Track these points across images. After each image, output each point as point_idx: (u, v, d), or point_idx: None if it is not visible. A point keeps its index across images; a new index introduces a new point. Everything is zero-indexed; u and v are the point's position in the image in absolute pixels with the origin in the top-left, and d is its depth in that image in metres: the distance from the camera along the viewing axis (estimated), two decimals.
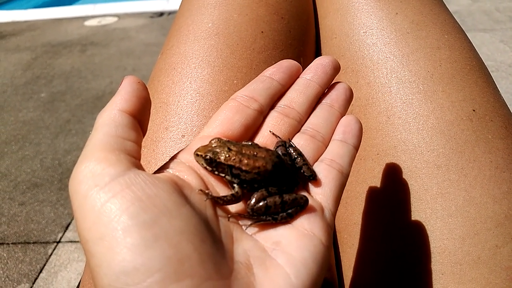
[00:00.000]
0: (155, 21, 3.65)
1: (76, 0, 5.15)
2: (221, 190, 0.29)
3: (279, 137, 0.33)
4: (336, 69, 0.37)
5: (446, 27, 0.51)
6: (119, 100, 0.27)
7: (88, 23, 3.73)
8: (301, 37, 0.56)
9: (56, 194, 1.62)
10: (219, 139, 0.30)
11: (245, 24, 0.52)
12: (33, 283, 1.27)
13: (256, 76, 0.46)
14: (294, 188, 0.31)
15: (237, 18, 0.52)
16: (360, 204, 0.45)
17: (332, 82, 0.37)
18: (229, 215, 0.28)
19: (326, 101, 0.36)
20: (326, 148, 0.33)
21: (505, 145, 0.42)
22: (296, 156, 0.31)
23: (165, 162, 0.42)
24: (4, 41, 3.45)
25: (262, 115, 0.34)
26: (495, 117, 0.44)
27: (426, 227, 0.40)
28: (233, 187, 0.29)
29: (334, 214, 0.30)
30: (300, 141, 0.33)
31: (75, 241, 1.41)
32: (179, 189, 0.26)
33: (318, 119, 0.35)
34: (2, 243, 1.42)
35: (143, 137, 0.29)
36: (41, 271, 1.31)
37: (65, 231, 1.45)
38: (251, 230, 0.28)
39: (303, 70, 0.37)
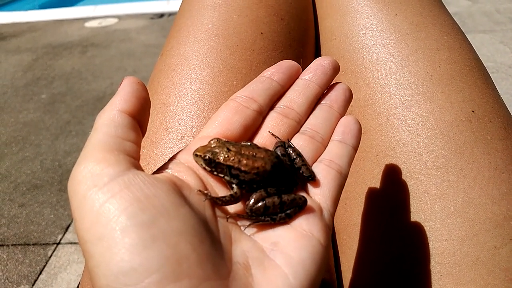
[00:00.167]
0: (155, 22, 3.66)
1: (76, 1, 5.16)
2: (220, 190, 0.29)
3: (278, 138, 0.33)
4: (336, 69, 0.37)
5: (446, 28, 0.51)
6: (119, 101, 0.27)
7: (89, 24, 3.74)
8: (300, 38, 0.56)
9: (56, 195, 1.62)
10: (218, 140, 0.30)
11: (244, 25, 0.52)
12: (33, 285, 1.27)
13: (256, 77, 0.47)
14: (293, 188, 0.31)
15: (236, 20, 0.52)
16: (360, 205, 0.45)
17: (332, 83, 0.37)
18: (227, 216, 0.28)
19: (325, 101, 0.36)
20: (325, 148, 0.33)
21: (504, 146, 0.42)
22: (295, 157, 0.31)
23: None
24: (4, 42, 3.45)
25: (261, 115, 0.34)
26: (494, 118, 0.44)
27: (425, 228, 0.40)
28: (232, 188, 0.29)
29: (332, 214, 0.30)
30: (299, 142, 0.33)
31: (75, 243, 1.41)
32: (177, 190, 0.26)
33: (317, 120, 0.35)
34: (2, 245, 1.42)
35: (143, 137, 0.29)
36: (41, 273, 1.31)
37: (65, 233, 1.45)
38: (250, 231, 0.28)
39: (302, 71, 0.37)
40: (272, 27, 0.53)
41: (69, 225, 1.48)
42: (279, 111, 0.34)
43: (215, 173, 0.29)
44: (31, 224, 1.49)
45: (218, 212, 0.28)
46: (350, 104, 0.49)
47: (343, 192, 0.32)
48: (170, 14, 3.77)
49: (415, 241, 0.40)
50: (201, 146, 0.30)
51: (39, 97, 2.43)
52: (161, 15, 3.80)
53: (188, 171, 0.28)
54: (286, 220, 0.28)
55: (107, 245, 0.21)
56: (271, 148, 0.32)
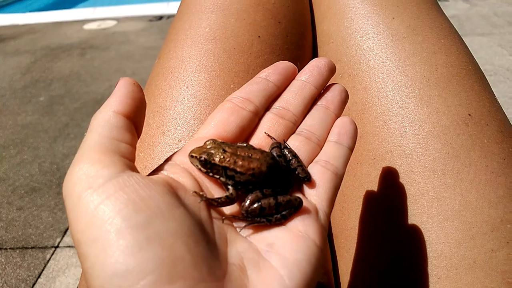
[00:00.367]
0: (154, 24, 3.66)
1: (75, 3, 5.17)
2: (215, 191, 0.29)
3: (274, 139, 0.33)
4: (332, 70, 0.37)
5: (443, 32, 0.51)
6: (114, 102, 0.27)
7: (88, 26, 3.74)
8: (298, 42, 0.56)
9: (54, 198, 1.62)
10: (213, 141, 0.30)
11: (242, 29, 0.52)
12: None
13: (252, 78, 0.47)
14: (289, 189, 0.31)
15: (234, 23, 0.52)
16: (357, 208, 0.45)
17: (328, 84, 0.37)
18: (223, 217, 0.28)
19: (321, 102, 0.36)
20: (321, 149, 0.33)
21: (500, 150, 0.42)
22: (290, 158, 0.31)
23: None
24: (3, 45, 3.45)
25: (257, 116, 0.34)
26: (491, 122, 0.44)
27: (422, 231, 0.40)
28: (228, 189, 0.29)
29: (328, 215, 0.30)
30: (295, 143, 0.33)
31: (73, 246, 1.40)
32: (173, 191, 0.26)
33: (313, 121, 0.35)
34: (0, 248, 1.41)
35: (138, 139, 0.29)
36: (39, 277, 1.30)
37: (63, 236, 1.45)
38: (245, 232, 0.28)
39: (298, 71, 0.37)
40: (269, 30, 0.53)
41: (67, 229, 1.48)
42: (275, 112, 0.34)
43: (210, 174, 0.29)
44: (30, 227, 1.49)
45: (214, 214, 0.28)
46: (347, 108, 0.49)
47: (340, 195, 0.32)
48: (169, 17, 3.78)
49: (412, 244, 0.40)
50: (196, 147, 0.29)
51: (38, 100, 2.43)
52: (160, 18, 3.81)
53: (183, 173, 0.28)
54: (281, 221, 0.28)
55: (101, 246, 0.21)
56: (267, 149, 0.32)
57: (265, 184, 0.30)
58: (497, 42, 2.66)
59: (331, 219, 0.49)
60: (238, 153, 0.29)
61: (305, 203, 0.29)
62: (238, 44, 0.51)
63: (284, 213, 0.28)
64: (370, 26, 0.52)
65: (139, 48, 3.11)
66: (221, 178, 0.29)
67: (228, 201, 0.28)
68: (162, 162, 0.30)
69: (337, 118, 0.35)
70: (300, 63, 0.55)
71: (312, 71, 0.36)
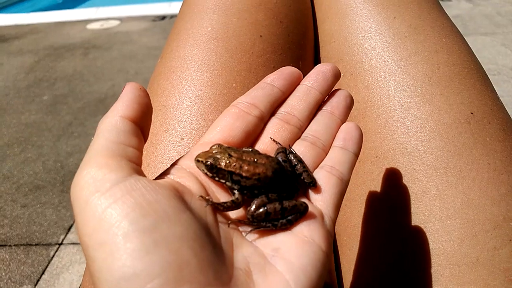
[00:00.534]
0: (157, 24, 3.67)
1: (78, 3, 5.18)
2: (221, 196, 0.30)
3: (280, 144, 0.33)
4: (337, 76, 0.37)
5: (444, 31, 0.51)
6: (121, 107, 0.27)
7: (91, 26, 3.75)
8: (299, 41, 0.56)
9: (58, 196, 1.63)
10: (219, 145, 0.30)
11: (244, 28, 0.52)
12: (35, 285, 1.27)
13: (255, 79, 0.47)
14: (294, 194, 0.31)
15: (236, 22, 0.52)
16: (359, 206, 0.45)
17: (333, 89, 0.37)
18: (229, 222, 0.28)
19: (326, 108, 0.36)
20: (326, 155, 0.33)
21: (503, 148, 0.42)
22: (296, 163, 0.31)
23: (164, 164, 0.43)
24: (7, 44, 3.47)
25: (262, 121, 0.34)
26: (493, 120, 0.44)
27: (424, 229, 0.40)
28: (234, 193, 0.29)
29: (334, 221, 0.30)
30: (300, 148, 0.33)
31: (77, 243, 1.41)
32: (179, 195, 0.26)
33: (318, 126, 0.35)
34: (5, 245, 1.42)
35: (145, 143, 0.29)
36: (43, 273, 1.31)
37: (67, 233, 1.46)
38: (251, 237, 0.28)
39: (303, 75, 0.37)
40: (271, 30, 0.53)
41: (71, 226, 1.48)
42: (280, 117, 0.35)
43: (216, 178, 0.29)
44: (34, 224, 1.50)
45: (220, 218, 0.28)
46: None
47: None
48: (172, 17, 3.78)
49: (414, 242, 0.40)
50: (202, 152, 0.30)
51: (41, 99, 2.44)
52: (163, 18, 3.82)
53: (189, 177, 0.29)
54: (287, 226, 0.28)
55: (109, 250, 0.21)
56: (272, 154, 0.32)
57: (270, 189, 0.30)
58: (501, 42, 2.65)
59: None
60: (244, 158, 0.30)
61: (310, 208, 0.29)
62: (240, 44, 0.51)
63: (289, 218, 0.28)
64: (371, 26, 0.52)
65: (142, 48, 3.12)
66: (227, 183, 0.29)
67: (234, 205, 0.28)
68: (167, 164, 0.30)
69: (342, 124, 0.35)
70: (302, 63, 0.55)
71: (317, 76, 0.36)
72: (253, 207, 0.28)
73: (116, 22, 3.79)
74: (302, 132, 0.35)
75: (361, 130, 0.34)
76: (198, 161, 0.29)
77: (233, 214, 0.29)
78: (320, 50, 0.59)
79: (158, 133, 0.46)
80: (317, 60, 0.60)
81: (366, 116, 0.48)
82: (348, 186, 0.46)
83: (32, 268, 1.33)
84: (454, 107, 0.44)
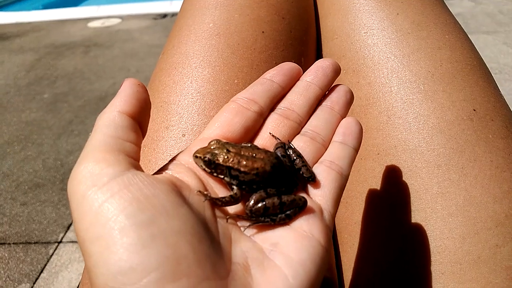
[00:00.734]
0: (158, 22, 3.67)
1: (80, 1, 5.18)
2: (220, 191, 0.29)
3: (279, 139, 0.33)
4: (337, 71, 0.37)
5: (447, 28, 0.51)
6: (119, 102, 0.27)
7: (92, 24, 3.75)
8: (302, 37, 0.56)
9: (58, 194, 1.63)
10: (218, 141, 0.30)
11: (246, 24, 0.52)
12: (34, 283, 1.27)
13: (257, 76, 0.46)
14: (293, 189, 0.30)
15: (238, 19, 0.52)
16: (361, 203, 0.45)
17: (333, 85, 0.37)
18: (227, 216, 0.28)
19: (326, 103, 0.36)
20: (326, 150, 0.33)
21: (505, 145, 0.42)
22: (295, 158, 0.31)
23: (165, 161, 0.43)
24: (8, 42, 3.47)
25: (262, 117, 0.34)
26: (496, 117, 0.44)
27: (426, 226, 0.40)
28: (232, 189, 0.29)
29: (333, 216, 0.30)
30: (300, 143, 0.33)
31: (76, 242, 1.41)
32: (177, 190, 0.26)
33: (318, 121, 0.35)
34: (4, 243, 1.42)
35: (143, 139, 0.29)
36: (42, 271, 1.31)
37: (66, 231, 1.46)
38: (250, 232, 0.28)
39: (303, 72, 0.37)
40: (273, 26, 0.53)
41: (70, 224, 1.48)
42: (279, 113, 0.34)
43: (215, 174, 0.29)
44: (33, 222, 1.50)
45: (218, 213, 0.28)
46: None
47: (344, 191, 0.32)
48: (173, 15, 3.78)
49: (416, 240, 0.40)
50: (201, 148, 0.29)
51: (42, 97, 2.44)
52: (164, 16, 3.81)
53: (188, 172, 0.28)
54: (286, 221, 0.28)
55: (105, 244, 0.21)
56: (271, 149, 0.32)
57: (269, 184, 0.30)
58: (502, 40, 2.65)
59: None
60: (242, 153, 0.29)
61: (309, 203, 0.29)
62: (242, 40, 0.51)
63: (288, 212, 0.28)
64: (374, 22, 0.52)
65: (143, 46, 3.12)
66: (225, 178, 0.29)
67: (232, 200, 0.28)
68: (167, 160, 0.30)
69: (342, 119, 0.35)
70: (304, 59, 0.55)
71: (316, 72, 0.36)
72: (252, 202, 0.28)
73: (117, 20, 3.79)
74: (302, 128, 0.35)
75: (361, 125, 0.34)
76: (196, 157, 0.29)
77: (232, 209, 0.29)
78: (323, 47, 0.59)
79: (160, 129, 0.46)
80: (319, 57, 0.60)
81: (368, 112, 0.47)
82: (350, 183, 0.47)
83: (31, 266, 1.33)
84: (456, 104, 0.44)
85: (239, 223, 0.28)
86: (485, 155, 0.41)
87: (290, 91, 0.36)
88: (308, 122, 0.35)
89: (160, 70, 0.52)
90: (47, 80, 2.66)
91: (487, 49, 2.53)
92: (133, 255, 0.21)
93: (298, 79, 0.37)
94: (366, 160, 0.46)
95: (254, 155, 0.30)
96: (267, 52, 0.51)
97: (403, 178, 0.42)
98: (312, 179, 0.30)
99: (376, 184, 0.44)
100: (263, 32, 0.52)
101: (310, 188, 0.31)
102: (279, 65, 0.37)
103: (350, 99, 0.36)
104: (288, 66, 0.37)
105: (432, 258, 0.38)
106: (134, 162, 0.26)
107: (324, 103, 0.36)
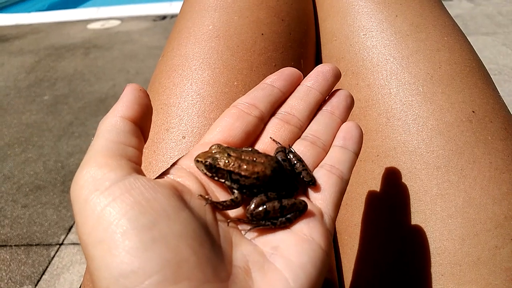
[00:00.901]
0: (158, 24, 3.67)
1: (79, 3, 5.19)
2: (221, 196, 0.30)
3: (279, 143, 0.33)
4: (337, 76, 0.37)
5: (446, 29, 0.51)
6: (121, 107, 0.28)
7: (91, 26, 3.76)
8: (301, 39, 0.56)
9: (58, 196, 1.63)
10: (219, 145, 0.30)
11: (245, 26, 0.52)
12: (36, 285, 1.27)
13: (256, 78, 0.47)
14: (293, 193, 0.31)
15: (237, 21, 0.52)
16: (360, 205, 0.45)
17: (333, 89, 0.37)
18: (228, 220, 0.28)
19: (326, 108, 0.36)
20: (326, 154, 0.33)
21: (504, 146, 0.42)
22: (295, 162, 0.31)
23: (166, 163, 0.43)
24: (7, 44, 3.47)
25: (263, 122, 0.34)
26: (495, 119, 0.44)
27: (425, 228, 0.40)
28: (233, 193, 0.29)
29: (333, 219, 0.30)
30: (300, 147, 0.33)
31: (77, 243, 1.41)
32: (178, 194, 0.26)
33: (318, 126, 0.35)
34: (5, 245, 1.42)
35: (145, 143, 0.29)
36: (43, 273, 1.31)
37: (67, 233, 1.46)
38: (250, 235, 0.28)
39: (303, 73, 0.37)
40: (272, 28, 0.53)
41: (71, 226, 1.48)
42: (280, 117, 0.35)
43: (216, 178, 0.29)
44: (34, 224, 1.50)
45: (219, 217, 0.28)
46: None
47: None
48: (173, 16, 3.78)
49: (415, 241, 0.40)
50: (202, 152, 0.30)
51: (42, 99, 2.45)
52: (164, 17, 3.82)
53: (189, 177, 0.29)
54: (286, 224, 0.28)
55: (107, 247, 0.22)
56: (272, 154, 0.32)
57: (269, 188, 0.30)
58: (502, 42, 2.65)
59: None
60: (243, 157, 0.30)
61: (310, 207, 0.29)
62: (241, 42, 0.51)
63: (289, 216, 0.28)
64: (373, 24, 0.52)
65: (142, 48, 3.12)
66: (226, 182, 0.29)
67: (233, 204, 0.28)
68: (167, 162, 0.30)
69: (343, 123, 0.35)
70: (303, 61, 0.55)
71: (317, 77, 0.36)
72: (252, 205, 0.28)
73: (117, 22, 3.79)
74: (302, 132, 0.35)
75: (361, 129, 0.34)
76: (197, 161, 0.29)
77: (233, 213, 0.29)
78: (322, 49, 0.59)
79: (160, 131, 0.46)
80: (318, 59, 0.60)
81: (367, 114, 0.48)
82: (349, 185, 0.46)
83: (33, 269, 1.33)
84: (455, 105, 0.44)
85: (240, 227, 0.28)
86: (484, 156, 0.41)
87: (291, 96, 0.36)
88: (308, 127, 0.35)
89: (160, 72, 0.52)
90: (47, 82, 2.66)
91: (486, 51, 2.53)
92: (135, 258, 0.21)
93: (299, 84, 0.37)
94: (366, 162, 0.46)
95: (254, 159, 0.30)
96: (266, 54, 0.51)
97: (403, 180, 0.42)
98: (313, 183, 0.31)
99: (376, 186, 0.44)
100: (262, 34, 0.52)
101: (311, 192, 0.31)
102: (279, 70, 0.37)
103: (350, 104, 0.37)
104: (289, 71, 0.37)
105: (432, 260, 0.38)
106: (135, 166, 0.26)
107: (324, 108, 0.36)
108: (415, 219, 0.41)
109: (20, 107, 2.37)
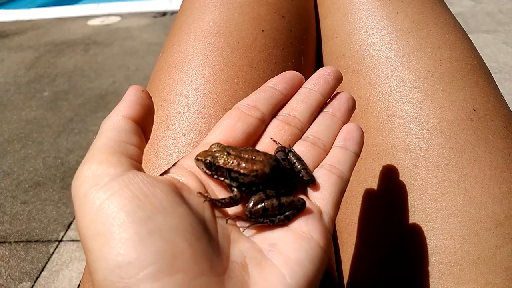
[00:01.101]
0: (158, 20, 3.66)
1: None
2: (221, 194, 0.30)
3: (280, 144, 0.33)
4: (338, 79, 0.37)
5: (447, 27, 0.51)
6: (123, 107, 0.28)
7: (91, 22, 3.75)
8: (302, 36, 0.56)
9: (58, 193, 1.63)
10: (218, 144, 0.31)
11: (246, 23, 0.52)
12: (35, 282, 1.27)
13: (257, 75, 0.46)
14: (292, 191, 0.31)
15: (238, 17, 0.52)
16: (360, 203, 0.45)
17: (335, 92, 0.37)
18: (227, 217, 0.28)
19: (328, 110, 0.36)
20: (327, 154, 0.34)
21: (505, 145, 0.42)
22: (295, 161, 0.32)
23: (165, 160, 0.43)
24: (7, 40, 3.46)
25: (264, 123, 0.34)
26: (496, 117, 0.44)
27: (426, 226, 0.40)
28: (232, 191, 0.30)
29: (333, 218, 0.30)
30: (301, 148, 0.33)
31: (77, 240, 1.41)
32: (177, 190, 0.26)
33: (319, 127, 0.35)
34: (4, 242, 1.42)
35: (146, 143, 0.30)
36: (42, 270, 1.31)
37: (67, 230, 1.46)
38: (249, 232, 0.28)
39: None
40: (273, 25, 0.53)
41: (71, 223, 1.48)
42: (281, 119, 0.35)
43: (215, 176, 0.30)
44: (33, 221, 1.50)
45: (218, 214, 0.28)
46: None
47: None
48: (173, 13, 3.77)
49: (415, 240, 0.40)
50: (202, 151, 0.30)
51: (42, 95, 2.44)
52: (164, 14, 3.81)
53: (189, 175, 0.29)
54: (285, 222, 0.28)
55: (105, 240, 0.22)
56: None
57: (268, 186, 0.30)
58: (502, 40, 2.65)
59: None
60: (242, 155, 0.30)
61: (309, 205, 0.29)
62: (241, 38, 0.50)
63: (287, 214, 0.28)
64: (374, 21, 0.52)
65: (142, 44, 3.11)
66: (226, 180, 0.30)
67: (232, 202, 0.29)
68: (167, 159, 0.30)
69: (344, 125, 0.35)
70: (304, 58, 0.55)
71: (318, 79, 0.37)
72: (251, 203, 0.29)
73: (117, 18, 3.78)
74: (303, 133, 0.35)
75: (362, 131, 0.35)
76: (197, 159, 0.30)
77: (232, 210, 0.30)
78: (322, 46, 0.59)
79: (160, 128, 0.46)
80: (319, 56, 0.60)
81: (368, 112, 0.47)
82: (350, 183, 0.46)
83: (32, 265, 1.33)
84: (456, 103, 0.44)
85: (238, 224, 0.29)
86: (485, 155, 0.41)
87: (292, 98, 0.36)
88: (309, 128, 0.35)
89: (160, 69, 0.52)
90: (47, 78, 2.66)
91: (487, 48, 2.53)
92: (131, 250, 0.22)
93: (300, 87, 0.37)
94: (366, 160, 0.46)
95: (253, 157, 0.30)
96: (267, 51, 0.51)
97: (403, 178, 0.42)
98: (312, 182, 0.31)
99: (376, 184, 0.44)
100: (263, 30, 0.52)
101: (310, 191, 0.31)
102: (281, 73, 0.37)
103: (352, 106, 0.37)
104: (290, 75, 0.37)
105: (432, 259, 0.38)
106: (135, 163, 0.26)
107: (325, 110, 0.36)
108: (415, 218, 0.40)
109: (20, 103, 2.37)
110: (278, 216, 0.28)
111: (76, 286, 1.26)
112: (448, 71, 0.46)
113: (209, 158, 0.29)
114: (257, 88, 0.37)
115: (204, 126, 0.45)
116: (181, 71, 0.49)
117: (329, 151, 0.34)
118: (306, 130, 0.35)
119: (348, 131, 0.34)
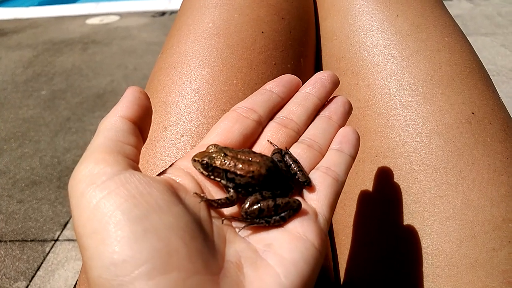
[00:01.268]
0: (157, 20, 3.66)
1: None
2: (217, 195, 0.30)
3: (276, 146, 0.34)
4: (335, 83, 0.38)
5: (447, 30, 0.51)
6: (121, 108, 0.29)
7: (90, 21, 3.74)
8: (301, 38, 0.56)
9: (54, 192, 1.62)
10: (215, 145, 0.31)
11: (245, 24, 0.52)
12: (30, 281, 1.27)
13: (256, 76, 0.47)
14: (288, 193, 0.31)
15: (237, 18, 0.52)
16: (358, 206, 0.45)
17: (332, 96, 0.38)
18: (223, 218, 0.28)
19: (324, 113, 0.36)
20: (323, 157, 0.34)
21: (503, 148, 0.42)
22: (291, 163, 0.32)
23: (163, 161, 0.43)
24: (5, 38, 3.45)
25: (261, 125, 0.35)
26: (494, 120, 0.44)
27: (423, 229, 0.40)
28: (228, 191, 0.30)
29: (328, 220, 0.30)
30: (297, 150, 0.34)
31: (73, 240, 1.41)
32: (173, 190, 0.26)
33: (316, 130, 0.35)
34: (0, 241, 1.42)
35: (144, 143, 0.30)
36: (38, 269, 1.31)
37: (63, 230, 1.45)
38: (244, 233, 0.29)
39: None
40: (273, 26, 0.53)
41: (67, 222, 1.48)
42: (278, 122, 0.35)
43: (212, 177, 0.30)
44: (29, 220, 1.49)
45: (214, 214, 0.28)
46: None
47: (341, 193, 0.32)
48: (172, 12, 3.77)
49: (413, 243, 0.40)
50: (199, 152, 0.31)
51: (39, 94, 2.43)
52: (163, 13, 3.80)
53: (186, 176, 0.29)
54: (280, 223, 0.29)
55: (100, 238, 0.22)
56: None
57: (264, 187, 0.30)
58: (500, 42, 2.66)
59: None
60: (239, 156, 0.30)
61: (304, 207, 0.29)
62: (241, 40, 0.50)
63: (283, 215, 0.29)
64: (374, 24, 0.52)
65: (141, 44, 3.11)
66: (222, 181, 0.30)
67: (228, 202, 0.29)
68: (165, 159, 0.31)
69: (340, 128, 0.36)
70: (303, 60, 0.55)
71: (315, 83, 0.37)
72: (247, 204, 0.29)
73: (116, 17, 3.77)
74: (300, 136, 0.35)
75: (358, 134, 0.35)
76: (194, 160, 0.30)
77: (228, 211, 0.30)
78: (322, 48, 0.59)
79: (158, 129, 0.45)
80: (318, 58, 0.60)
81: (366, 114, 0.47)
82: (347, 185, 0.47)
83: (27, 264, 1.32)
84: (455, 106, 0.44)
85: (234, 224, 0.29)
86: (483, 158, 0.41)
87: (289, 101, 0.37)
88: (306, 131, 0.36)
89: (159, 70, 0.51)
90: (45, 76, 2.65)
91: (485, 51, 2.53)
92: (126, 247, 0.22)
93: (297, 91, 0.37)
94: (364, 162, 0.46)
95: (250, 158, 0.30)
96: (266, 52, 0.51)
97: (401, 181, 0.42)
98: (308, 184, 0.31)
99: (374, 187, 0.44)
100: (262, 32, 0.52)
101: (306, 193, 0.31)
102: (279, 77, 0.38)
103: (348, 110, 0.37)
104: (288, 78, 0.37)
105: (429, 261, 0.38)
106: (132, 163, 0.27)
107: (322, 113, 0.37)
108: (413, 220, 0.40)
109: (17, 101, 2.36)
110: (274, 217, 0.28)
111: (72, 286, 1.25)
112: (447, 74, 0.46)
113: (206, 159, 0.29)
114: (256, 90, 0.37)
115: (202, 127, 0.44)
116: (180, 72, 0.49)
117: (325, 154, 0.34)
118: (303, 133, 0.35)
119: (344, 134, 0.35)
